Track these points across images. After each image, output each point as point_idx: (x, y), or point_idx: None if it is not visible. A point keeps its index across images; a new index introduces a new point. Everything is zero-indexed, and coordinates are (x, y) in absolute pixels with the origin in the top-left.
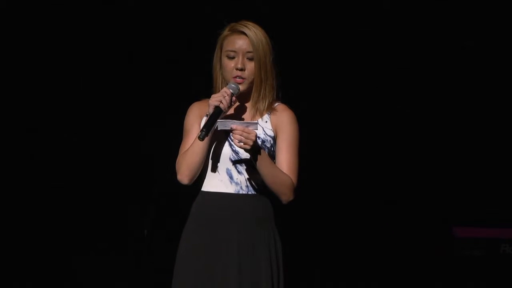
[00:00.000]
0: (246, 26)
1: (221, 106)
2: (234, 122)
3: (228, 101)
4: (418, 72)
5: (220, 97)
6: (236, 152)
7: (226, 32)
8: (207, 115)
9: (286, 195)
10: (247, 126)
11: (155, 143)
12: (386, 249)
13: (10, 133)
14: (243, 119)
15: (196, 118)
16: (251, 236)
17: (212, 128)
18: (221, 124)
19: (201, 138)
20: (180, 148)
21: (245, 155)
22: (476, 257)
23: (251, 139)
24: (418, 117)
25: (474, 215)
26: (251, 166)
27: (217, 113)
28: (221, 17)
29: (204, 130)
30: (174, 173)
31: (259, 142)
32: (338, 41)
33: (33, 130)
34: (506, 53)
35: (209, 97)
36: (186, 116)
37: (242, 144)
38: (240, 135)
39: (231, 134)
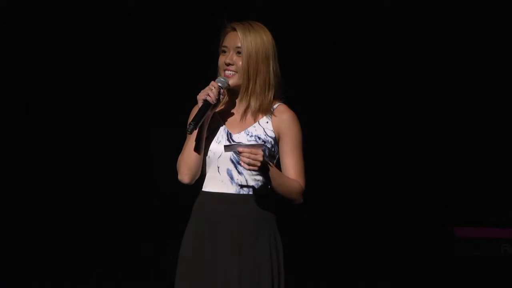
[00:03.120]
0: (240, 23)
1: (209, 99)
2: (241, 144)
3: (215, 93)
4: (418, 72)
5: (207, 91)
6: (236, 153)
7: (225, 30)
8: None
9: (296, 200)
10: (253, 147)
11: (156, 143)
12: (388, 250)
13: (9, 135)
14: (233, 113)
15: None
16: (251, 236)
17: (201, 122)
18: (228, 148)
19: (189, 131)
20: (183, 149)
21: None
22: (477, 257)
23: (258, 160)
24: (420, 118)
25: (475, 216)
26: None
27: (206, 106)
28: (224, 17)
29: (192, 123)
30: (175, 173)
31: (260, 142)
32: (338, 41)
33: (32, 131)
34: (506, 53)
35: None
36: (190, 117)
37: (250, 166)
38: (248, 157)
39: (236, 154)
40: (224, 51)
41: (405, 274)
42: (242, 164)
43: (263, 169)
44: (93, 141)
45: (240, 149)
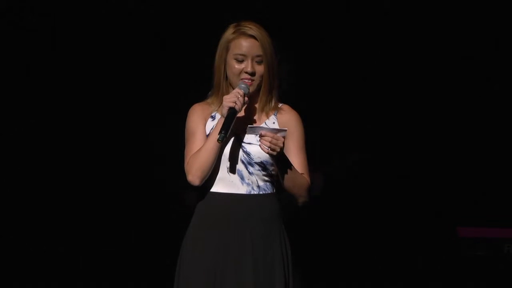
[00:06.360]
0: (252, 29)
1: (236, 107)
2: (263, 128)
3: (242, 101)
4: (419, 72)
5: (234, 98)
6: (247, 154)
7: (231, 34)
8: (212, 117)
9: (303, 197)
10: (276, 133)
11: (156, 143)
12: (391, 249)
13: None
14: (254, 121)
15: (200, 120)
16: (264, 236)
17: (230, 130)
18: (250, 130)
19: (220, 140)
20: (187, 150)
21: (256, 157)
22: (481, 257)
23: (279, 146)
24: (422, 118)
25: (479, 215)
26: (261, 166)
27: (232, 114)
28: (223, 17)
29: (223, 132)
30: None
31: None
32: (337, 41)
33: (32, 130)
34: (506, 53)
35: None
36: (189, 118)
37: (270, 150)
38: (269, 142)
39: (257, 139)
40: (241, 60)
41: (408, 274)
42: (262, 147)
43: (280, 157)
44: (93, 141)
45: (263, 132)
